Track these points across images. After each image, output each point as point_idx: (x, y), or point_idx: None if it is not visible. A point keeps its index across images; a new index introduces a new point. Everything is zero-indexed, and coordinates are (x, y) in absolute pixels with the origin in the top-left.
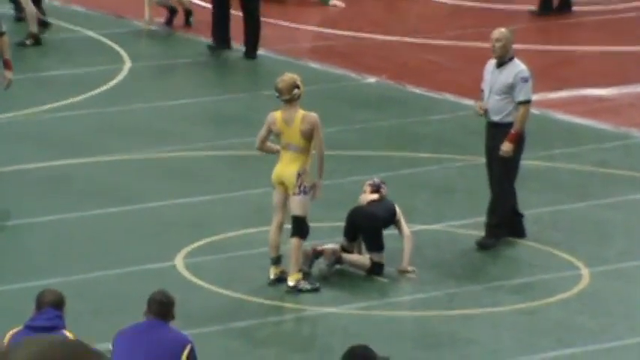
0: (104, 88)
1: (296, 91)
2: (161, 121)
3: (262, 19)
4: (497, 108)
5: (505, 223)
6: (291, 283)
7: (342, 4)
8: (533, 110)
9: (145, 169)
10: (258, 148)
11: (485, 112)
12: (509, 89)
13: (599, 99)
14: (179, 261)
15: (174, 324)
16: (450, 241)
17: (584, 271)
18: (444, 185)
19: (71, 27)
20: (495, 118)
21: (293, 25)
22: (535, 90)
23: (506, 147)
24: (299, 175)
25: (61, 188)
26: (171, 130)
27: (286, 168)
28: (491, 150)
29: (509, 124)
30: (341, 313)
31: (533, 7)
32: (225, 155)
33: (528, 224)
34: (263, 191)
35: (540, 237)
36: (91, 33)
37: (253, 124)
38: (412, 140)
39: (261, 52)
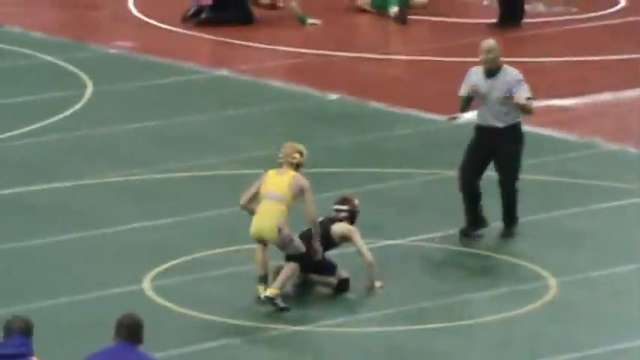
0: (66, 113)
1: (296, 156)
2: (125, 144)
3: (228, 40)
4: (500, 115)
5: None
6: (268, 294)
7: (319, 22)
8: None
9: (109, 193)
10: (242, 205)
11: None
12: (510, 93)
13: (564, 109)
14: (146, 284)
15: (143, 347)
16: (418, 255)
17: (553, 281)
18: (410, 200)
19: (31, 53)
20: (500, 124)
21: (257, 45)
22: None
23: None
24: (280, 230)
25: (25, 214)
26: (135, 152)
27: (264, 219)
28: (498, 154)
29: (513, 125)
30: (311, 330)
31: (493, 20)
32: (190, 176)
33: (495, 235)
34: (230, 211)
35: (508, 248)
36: (50, 58)
37: (217, 145)
38: (376, 156)
39: (224, 72)
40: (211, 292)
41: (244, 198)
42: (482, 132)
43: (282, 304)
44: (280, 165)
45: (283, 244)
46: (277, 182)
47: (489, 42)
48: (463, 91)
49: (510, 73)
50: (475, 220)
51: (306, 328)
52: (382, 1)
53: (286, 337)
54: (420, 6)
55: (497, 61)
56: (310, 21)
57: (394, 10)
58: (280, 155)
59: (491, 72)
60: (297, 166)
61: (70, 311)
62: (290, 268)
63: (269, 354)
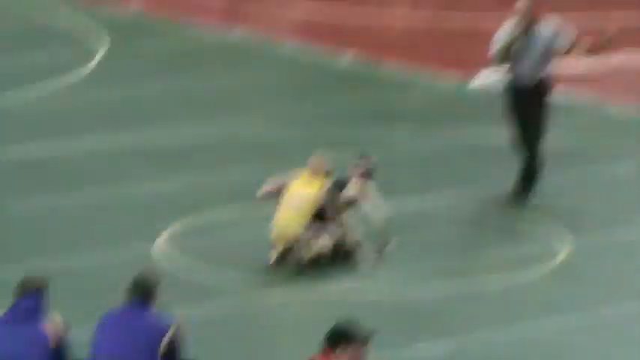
0: (80, 73)
1: (325, 168)
2: (139, 105)
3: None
4: (532, 72)
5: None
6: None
7: None
8: None
9: (123, 153)
10: (258, 198)
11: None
12: (550, 48)
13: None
14: (162, 241)
15: (158, 305)
16: (430, 217)
17: (561, 245)
18: (423, 162)
19: (45, 13)
20: (529, 82)
21: (266, 7)
22: None
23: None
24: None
25: (39, 173)
26: (150, 113)
27: (287, 228)
28: (528, 114)
29: (540, 83)
30: (325, 291)
31: None
32: (203, 137)
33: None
34: (244, 173)
35: (518, 211)
36: (65, 19)
37: (231, 105)
38: (390, 117)
39: (237, 34)
40: (228, 248)
41: (262, 193)
42: (515, 93)
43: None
44: (308, 173)
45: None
46: (303, 189)
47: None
48: (496, 46)
49: (547, 25)
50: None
51: (319, 291)
52: None
53: (300, 299)
54: None
55: (533, 16)
56: None
57: None
58: (309, 166)
59: (528, 29)
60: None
61: (84, 269)
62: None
63: (281, 315)
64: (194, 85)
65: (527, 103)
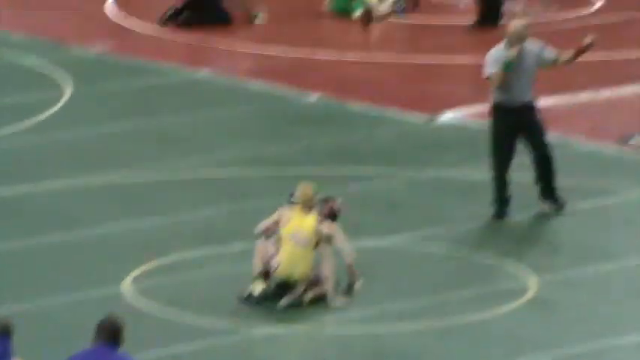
0: (47, 114)
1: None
2: (105, 145)
3: (198, 43)
4: (527, 89)
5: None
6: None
7: (265, 19)
8: (475, 125)
9: (90, 194)
10: (257, 234)
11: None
12: (539, 63)
13: (544, 109)
14: (128, 285)
15: (124, 348)
16: (399, 255)
17: (533, 281)
18: (392, 200)
19: (10, 54)
20: (527, 98)
21: (231, 47)
22: (479, 101)
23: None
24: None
25: (8, 217)
26: (116, 153)
27: (296, 265)
28: (529, 126)
29: (533, 98)
30: (293, 331)
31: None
32: (170, 177)
33: (476, 235)
34: (209, 212)
35: (488, 247)
36: (30, 60)
37: (197, 145)
38: (357, 156)
39: (202, 73)
40: (192, 293)
41: (261, 228)
42: (507, 113)
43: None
44: (297, 205)
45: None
46: (301, 224)
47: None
48: (494, 68)
49: (534, 43)
50: (507, 201)
51: (287, 329)
52: (344, 3)
53: (268, 339)
54: (383, 17)
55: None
56: (258, 18)
57: (359, 12)
58: (298, 196)
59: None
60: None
61: (51, 313)
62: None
63: (252, 355)
64: (160, 124)
65: (528, 118)
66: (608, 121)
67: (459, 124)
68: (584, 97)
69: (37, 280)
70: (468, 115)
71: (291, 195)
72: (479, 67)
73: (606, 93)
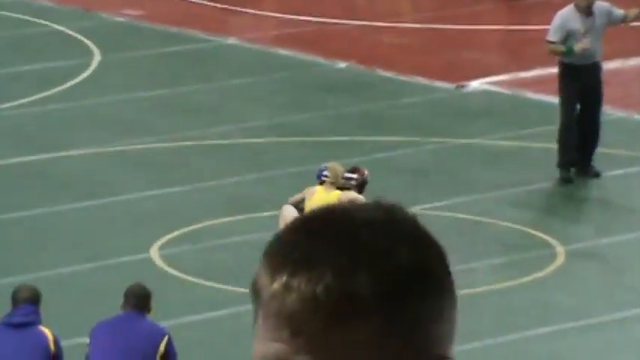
0: (75, 81)
1: (346, 177)
2: (132, 113)
3: (226, 6)
4: (598, 48)
5: None
6: None
7: None
8: (505, 90)
9: (117, 162)
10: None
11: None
12: (610, 22)
13: None
14: (154, 252)
15: (151, 315)
16: (424, 223)
17: (560, 250)
18: (418, 168)
19: (40, 22)
20: (596, 57)
21: (259, 12)
22: (506, 70)
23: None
24: None
25: (35, 183)
26: (143, 121)
27: None
28: (593, 90)
29: (600, 63)
30: None
31: None
32: (198, 145)
33: (503, 203)
34: (235, 180)
35: (515, 216)
36: (59, 27)
37: (224, 114)
38: (384, 124)
39: (230, 41)
40: (218, 260)
41: (292, 201)
42: (577, 71)
43: None
44: (328, 184)
45: None
46: (326, 199)
47: None
48: (556, 36)
49: (603, 4)
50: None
51: None
52: None
53: None
54: None
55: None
56: None
57: None
58: (328, 176)
59: (590, 10)
60: (346, 189)
61: (78, 280)
62: None
63: None
64: (187, 92)
65: (595, 79)
66: (637, 89)
67: (487, 92)
68: (612, 65)
69: (63, 247)
70: (496, 83)
71: (320, 171)
72: (508, 35)
73: (636, 61)
